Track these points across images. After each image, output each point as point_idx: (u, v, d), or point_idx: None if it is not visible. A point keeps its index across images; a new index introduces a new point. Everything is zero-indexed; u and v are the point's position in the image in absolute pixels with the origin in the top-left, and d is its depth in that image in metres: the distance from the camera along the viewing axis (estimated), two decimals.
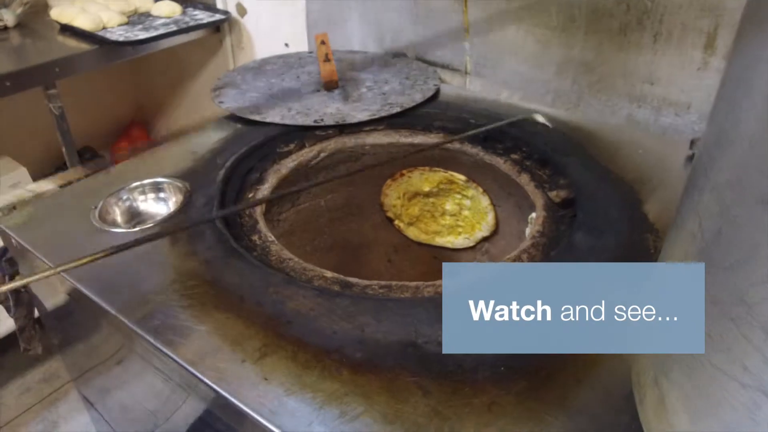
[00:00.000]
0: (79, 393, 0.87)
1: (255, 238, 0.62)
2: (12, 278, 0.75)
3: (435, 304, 0.51)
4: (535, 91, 0.96)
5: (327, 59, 0.96)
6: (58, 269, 0.50)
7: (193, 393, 0.47)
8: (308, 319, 0.48)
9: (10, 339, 1.36)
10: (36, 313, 0.80)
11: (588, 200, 0.65)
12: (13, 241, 0.65)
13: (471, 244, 0.92)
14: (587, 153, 0.76)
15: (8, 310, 0.79)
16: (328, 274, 0.55)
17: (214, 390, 0.43)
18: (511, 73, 0.97)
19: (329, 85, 0.91)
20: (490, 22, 0.97)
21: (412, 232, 0.95)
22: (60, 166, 1.75)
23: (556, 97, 0.94)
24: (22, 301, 0.77)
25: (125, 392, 0.75)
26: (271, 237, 0.61)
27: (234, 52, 1.49)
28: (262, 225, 0.63)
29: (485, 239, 0.90)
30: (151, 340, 0.47)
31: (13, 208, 0.97)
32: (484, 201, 0.87)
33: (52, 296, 0.70)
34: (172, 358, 0.46)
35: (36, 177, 1.51)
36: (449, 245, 0.95)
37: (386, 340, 0.46)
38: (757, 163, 0.22)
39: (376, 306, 0.50)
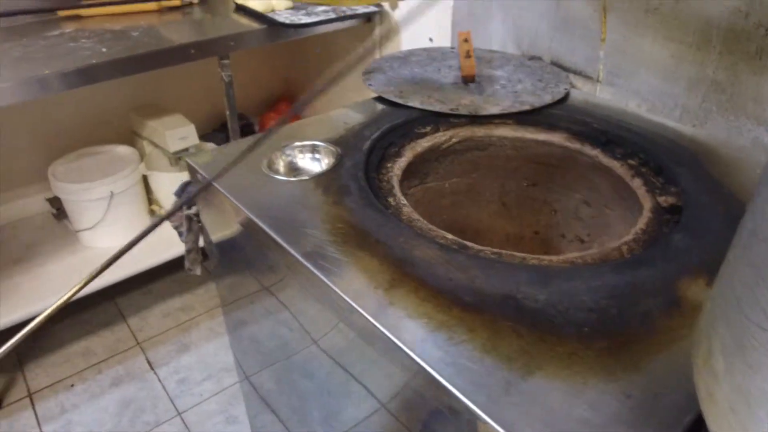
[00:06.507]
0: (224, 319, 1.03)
1: (390, 199, 0.73)
2: (189, 208, 0.92)
3: (537, 271, 0.59)
4: (664, 105, 0.99)
5: (468, 55, 1.06)
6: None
7: (331, 310, 0.59)
8: (429, 265, 0.59)
9: (159, 269, 1.59)
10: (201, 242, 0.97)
11: (695, 208, 0.70)
12: (199, 175, 0.81)
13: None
14: (704, 167, 0.80)
15: (180, 235, 0.96)
16: (449, 236, 0.66)
17: (350, 305, 0.55)
18: (642, 84, 1.01)
19: (467, 79, 1.00)
20: (627, 34, 1.01)
21: None
22: (216, 128, 2.00)
23: (684, 112, 0.97)
24: (192, 228, 0.94)
25: (259, 327, 0.89)
26: (404, 201, 0.72)
27: (381, 41, 1.63)
28: (397, 190, 0.75)
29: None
30: (304, 262, 0.60)
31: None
32: None
33: (219, 226, 0.86)
34: (319, 277, 0.58)
35: (199, 134, 1.74)
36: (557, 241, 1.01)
37: (491, 291, 0.56)
38: None
39: (487, 264, 0.60)
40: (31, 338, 1.61)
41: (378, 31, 1.63)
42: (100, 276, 1.51)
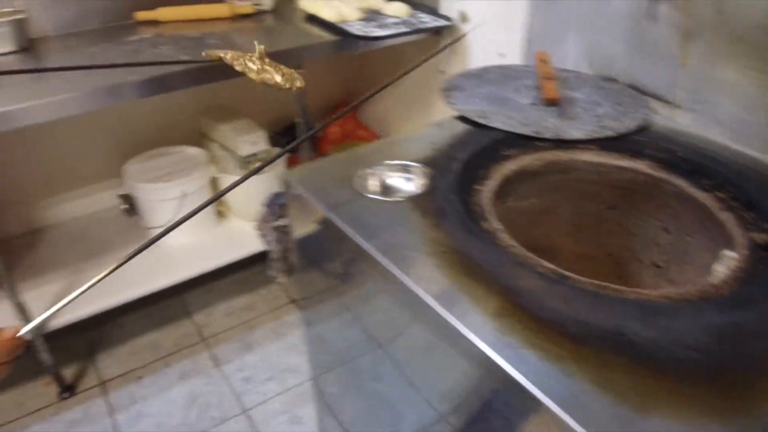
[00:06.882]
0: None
1: (484, 223, 0.75)
2: (278, 220, 0.96)
3: (638, 305, 0.61)
4: (745, 134, 0.99)
5: (548, 77, 1.07)
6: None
7: (437, 332, 0.62)
8: (533, 295, 0.61)
9: (223, 270, 1.65)
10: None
11: None
12: (292, 190, 0.84)
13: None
14: None
15: (267, 244, 1.01)
16: (548, 265, 0.68)
17: (465, 335, 0.57)
18: (723, 112, 1.01)
19: (550, 102, 1.02)
20: (709, 60, 1.01)
21: None
22: (279, 131, 2.04)
23: (766, 143, 0.97)
24: (281, 239, 0.98)
25: (328, 327, 0.92)
26: (499, 226, 0.75)
27: (449, 56, 1.65)
28: (490, 214, 0.77)
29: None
30: (415, 289, 0.63)
31: None
32: None
33: (307, 239, 0.89)
34: (431, 306, 0.61)
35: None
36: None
37: (596, 324, 0.58)
38: None
39: (589, 297, 0.62)
40: (102, 327, 1.69)
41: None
42: (169, 274, 1.58)
